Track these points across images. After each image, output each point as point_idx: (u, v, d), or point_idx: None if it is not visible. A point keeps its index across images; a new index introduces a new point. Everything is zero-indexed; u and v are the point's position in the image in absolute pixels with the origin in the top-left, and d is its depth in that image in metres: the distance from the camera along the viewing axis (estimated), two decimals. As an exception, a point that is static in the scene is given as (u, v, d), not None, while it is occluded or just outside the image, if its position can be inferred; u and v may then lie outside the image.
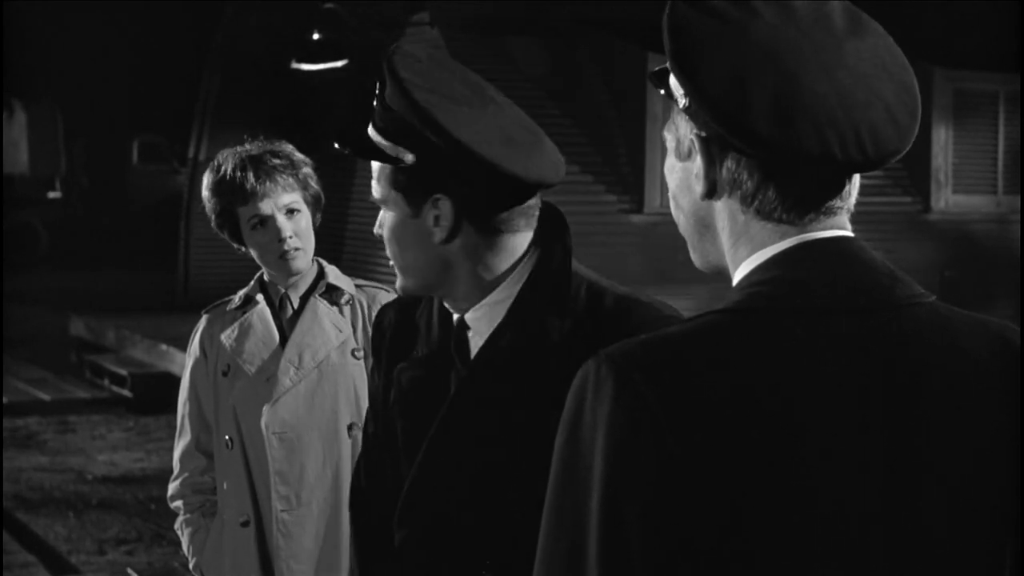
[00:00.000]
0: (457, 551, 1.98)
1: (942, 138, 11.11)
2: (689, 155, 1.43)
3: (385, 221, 2.04)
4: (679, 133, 1.45)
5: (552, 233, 2.03)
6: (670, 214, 1.52)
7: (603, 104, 10.05)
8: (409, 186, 1.96)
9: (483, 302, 2.00)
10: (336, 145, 2.03)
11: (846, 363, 1.32)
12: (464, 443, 1.98)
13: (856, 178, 1.41)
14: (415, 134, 1.90)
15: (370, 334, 3.01)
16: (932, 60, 10.74)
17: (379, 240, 2.17)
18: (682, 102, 1.40)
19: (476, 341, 2.02)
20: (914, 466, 1.33)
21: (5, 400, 10.83)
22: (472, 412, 1.98)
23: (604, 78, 10.19)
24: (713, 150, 1.40)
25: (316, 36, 11.67)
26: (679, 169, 1.46)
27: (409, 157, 1.93)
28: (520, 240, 2.00)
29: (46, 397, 11.23)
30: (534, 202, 2.00)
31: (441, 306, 2.08)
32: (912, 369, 1.34)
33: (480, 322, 2.01)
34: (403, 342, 2.14)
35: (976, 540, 1.35)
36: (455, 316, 2.06)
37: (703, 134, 1.40)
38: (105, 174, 25.18)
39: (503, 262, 1.99)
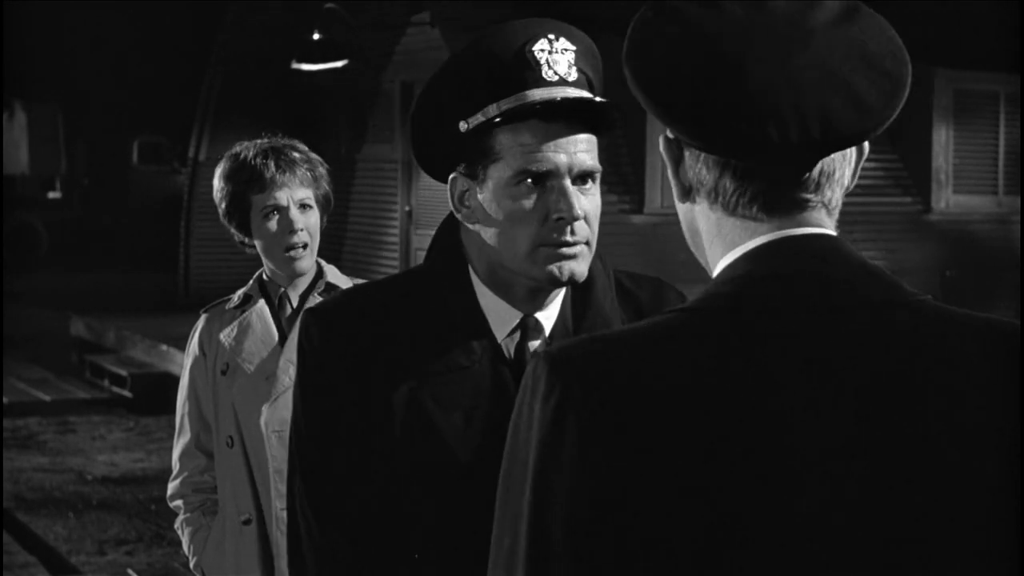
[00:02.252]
0: None
1: (942, 138, 11.11)
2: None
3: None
4: None
5: None
6: (671, 214, 1.52)
7: (603, 104, 10.04)
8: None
9: (554, 299, 1.93)
10: None
11: (803, 364, 1.28)
12: None
13: (836, 170, 1.36)
14: None
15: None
16: (932, 60, 10.74)
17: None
18: None
19: (537, 342, 1.92)
20: (865, 472, 1.27)
21: (5, 400, 10.83)
22: None
23: (604, 78, 10.18)
24: (678, 150, 1.39)
25: (316, 36, 11.67)
26: (670, 176, 1.44)
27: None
28: None
29: (46, 397, 11.23)
30: None
31: (467, 310, 1.91)
32: (883, 370, 1.29)
33: (550, 320, 1.93)
34: (397, 353, 1.89)
35: (967, 539, 1.30)
36: (516, 317, 1.92)
37: (670, 136, 1.39)
38: (105, 174, 25.20)
39: None
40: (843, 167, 1.37)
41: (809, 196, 1.35)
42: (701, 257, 1.44)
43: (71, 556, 6.91)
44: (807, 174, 1.34)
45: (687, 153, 1.38)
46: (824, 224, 1.36)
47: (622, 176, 10.10)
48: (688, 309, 1.32)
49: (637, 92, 1.35)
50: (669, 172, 1.42)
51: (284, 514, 3.08)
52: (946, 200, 11.19)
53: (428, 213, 11.35)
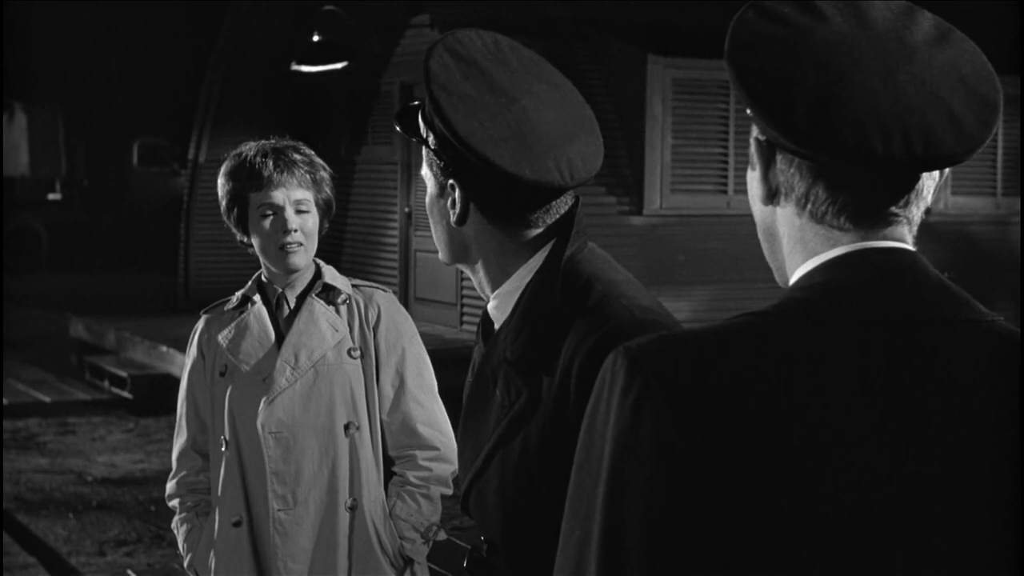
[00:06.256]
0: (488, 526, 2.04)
1: (942, 139, 11.10)
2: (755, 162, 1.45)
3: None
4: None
5: (562, 228, 2.06)
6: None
7: (603, 105, 10.05)
8: (435, 168, 2.08)
9: (499, 291, 2.06)
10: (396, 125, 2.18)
11: (871, 375, 1.30)
12: (478, 427, 2.04)
13: (924, 188, 1.39)
14: (434, 122, 2.01)
15: (367, 333, 3.17)
16: (932, 62, 10.72)
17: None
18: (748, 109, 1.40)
19: (494, 328, 2.10)
20: (923, 484, 1.29)
21: (6, 402, 10.84)
22: (481, 399, 2.04)
23: (603, 79, 10.19)
24: (769, 153, 1.40)
25: (316, 38, 11.68)
26: (750, 178, 1.46)
27: (432, 141, 2.04)
28: (538, 234, 2.04)
29: (46, 399, 11.23)
30: (558, 200, 2.03)
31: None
32: (946, 388, 1.31)
33: (498, 309, 2.07)
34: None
35: (991, 560, 1.31)
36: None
37: (762, 138, 1.40)
38: (105, 176, 25.18)
39: (516, 253, 2.04)
40: (930, 186, 1.40)
41: (898, 211, 1.38)
42: (774, 260, 1.46)
43: (71, 557, 6.91)
44: (906, 190, 1.36)
45: (779, 157, 1.39)
46: (905, 239, 1.38)
47: (621, 178, 10.11)
48: (762, 313, 1.34)
49: (740, 92, 1.36)
50: (754, 174, 1.44)
51: (280, 515, 3.09)
52: (944, 201, 11.20)
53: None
